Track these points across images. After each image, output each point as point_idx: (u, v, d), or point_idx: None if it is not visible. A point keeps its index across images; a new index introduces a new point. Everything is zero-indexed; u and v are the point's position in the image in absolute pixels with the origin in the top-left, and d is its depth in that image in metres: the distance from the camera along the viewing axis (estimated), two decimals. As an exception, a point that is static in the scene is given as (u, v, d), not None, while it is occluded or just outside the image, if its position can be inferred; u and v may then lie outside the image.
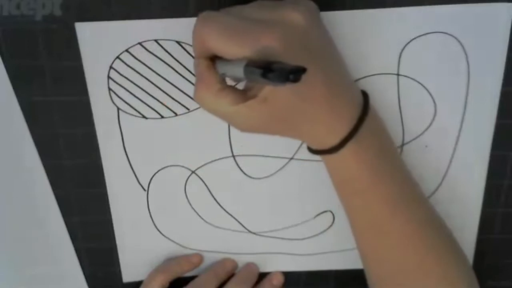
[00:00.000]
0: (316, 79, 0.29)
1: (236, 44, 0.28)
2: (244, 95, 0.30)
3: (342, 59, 0.33)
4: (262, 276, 0.44)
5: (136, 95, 0.37)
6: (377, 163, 0.32)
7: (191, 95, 0.37)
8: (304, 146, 0.35)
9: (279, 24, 0.28)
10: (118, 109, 0.37)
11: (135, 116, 0.38)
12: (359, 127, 0.31)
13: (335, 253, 0.42)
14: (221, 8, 0.33)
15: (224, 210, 0.41)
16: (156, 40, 0.35)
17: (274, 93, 0.29)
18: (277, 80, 0.24)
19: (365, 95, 0.33)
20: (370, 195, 0.33)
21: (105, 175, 0.39)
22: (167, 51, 0.35)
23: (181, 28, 0.35)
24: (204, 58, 0.30)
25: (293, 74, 0.23)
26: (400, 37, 0.35)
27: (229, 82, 0.30)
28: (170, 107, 0.37)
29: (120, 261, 0.43)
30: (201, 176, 0.40)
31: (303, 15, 0.29)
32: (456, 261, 0.35)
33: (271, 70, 0.24)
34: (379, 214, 0.33)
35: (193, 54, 0.36)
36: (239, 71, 0.27)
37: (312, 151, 0.33)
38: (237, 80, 0.28)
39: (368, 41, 0.35)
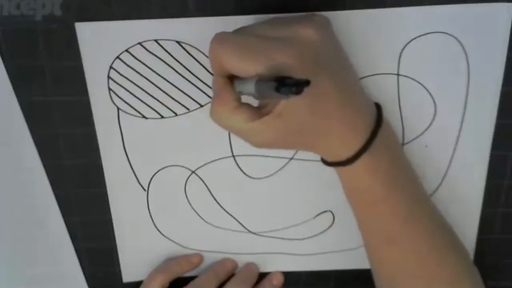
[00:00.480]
0: (330, 93, 0.29)
1: (251, 63, 0.28)
2: (259, 112, 0.30)
3: (355, 71, 0.33)
4: (262, 276, 0.44)
5: (136, 95, 0.37)
6: (390, 174, 0.32)
7: (191, 95, 0.37)
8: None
9: (293, 41, 0.29)
10: (118, 109, 0.37)
11: (135, 116, 0.38)
12: (373, 140, 0.31)
13: (335, 253, 0.42)
14: (222, 7, 0.33)
15: (224, 210, 0.41)
16: (156, 40, 0.35)
17: (288, 108, 0.29)
18: (283, 92, 0.24)
19: (378, 107, 0.33)
20: (383, 206, 0.33)
21: (105, 175, 0.39)
22: (167, 51, 0.35)
23: (181, 28, 0.35)
24: (221, 76, 0.31)
25: (296, 86, 0.24)
26: (400, 37, 0.35)
27: (248, 100, 0.30)
28: (170, 107, 0.37)
29: (120, 261, 0.43)
30: (201, 176, 0.40)
31: (317, 30, 0.29)
32: (459, 262, 0.35)
33: (280, 83, 0.24)
34: (391, 224, 0.33)
35: (193, 54, 0.36)
36: (253, 87, 0.28)
37: (326, 163, 0.33)
38: (255, 97, 0.29)
39: (368, 41, 0.35)
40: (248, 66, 0.29)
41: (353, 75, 0.33)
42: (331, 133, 0.31)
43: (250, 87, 0.28)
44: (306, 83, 0.24)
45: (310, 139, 0.31)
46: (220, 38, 0.30)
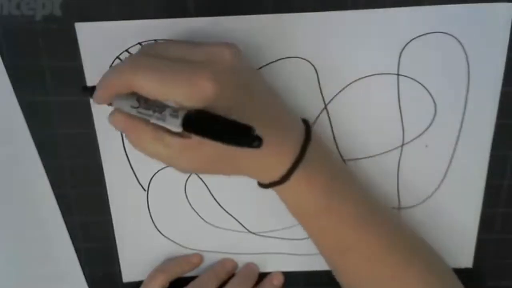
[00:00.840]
0: (255, 118, 0.29)
1: (173, 89, 0.27)
2: (180, 139, 0.29)
3: (275, 92, 0.33)
4: (262, 276, 0.44)
5: (136, 95, 0.37)
6: (328, 187, 0.32)
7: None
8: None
9: (209, 63, 0.28)
10: (118, 109, 0.37)
11: (135, 116, 0.38)
12: (303, 155, 0.31)
13: (335, 253, 0.43)
14: (222, 7, 0.33)
15: (224, 210, 0.41)
16: (156, 40, 0.35)
17: None
18: (234, 144, 0.23)
19: (306, 123, 0.33)
20: (326, 218, 0.33)
21: (105, 175, 0.39)
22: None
23: (181, 28, 0.35)
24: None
25: (257, 140, 0.23)
26: (400, 37, 0.35)
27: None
28: (170, 107, 0.37)
29: (120, 261, 0.43)
30: (201, 176, 0.40)
31: (231, 52, 0.29)
32: (430, 267, 0.35)
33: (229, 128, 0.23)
34: (340, 233, 0.34)
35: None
36: (175, 123, 0.27)
37: (261, 185, 0.33)
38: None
39: (368, 41, 0.35)
40: (168, 93, 0.27)
41: (274, 96, 0.32)
42: (256, 157, 0.30)
43: (175, 125, 0.27)
44: (252, 131, 0.23)
45: (236, 164, 0.31)
46: (133, 62, 0.28)
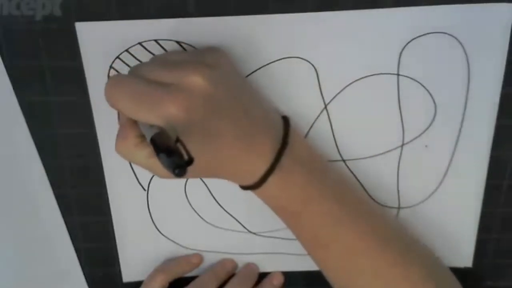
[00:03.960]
0: (226, 134, 0.30)
1: (143, 110, 0.29)
2: None
3: (256, 94, 0.34)
4: (262, 276, 0.44)
5: (136, 95, 0.37)
6: (307, 187, 0.33)
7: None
8: (304, 146, 0.35)
9: (181, 89, 0.29)
10: (118, 109, 0.37)
11: (135, 116, 0.38)
12: (278, 162, 0.32)
13: (335, 253, 0.43)
14: (222, 7, 0.33)
15: (224, 210, 0.41)
16: (156, 40, 0.35)
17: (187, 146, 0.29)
18: (166, 168, 0.26)
19: (286, 121, 0.34)
20: (306, 216, 0.33)
21: (105, 175, 0.39)
22: (167, 51, 0.35)
23: (181, 28, 0.35)
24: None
25: (178, 168, 0.25)
26: (400, 37, 0.35)
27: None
28: (170, 107, 0.37)
29: (120, 261, 0.43)
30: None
31: (205, 76, 0.30)
32: (419, 263, 0.35)
33: (167, 152, 0.26)
34: (320, 230, 0.34)
35: (193, 54, 0.36)
36: (148, 137, 0.29)
37: (241, 187, 0.34)
38: None
39: (368, 41, 0.35)
40: (139, 113, 0.29)
41: (254, 101, 0.33)
42: (234, 162, 0.31)
43: (147, 134, 0.29)
44: (188, 162, 0.25)
45: (213, 171, 0.32)
46: (114, 82, 0.30)
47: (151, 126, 0.29)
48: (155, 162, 0.30)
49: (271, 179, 0.32)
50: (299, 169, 0.33)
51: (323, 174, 0.34)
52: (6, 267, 0.43)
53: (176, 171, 0.25)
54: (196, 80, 0.29)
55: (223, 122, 0.30)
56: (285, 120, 0.34)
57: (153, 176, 0.40)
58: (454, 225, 0.41)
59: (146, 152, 0.31)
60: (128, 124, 0.31)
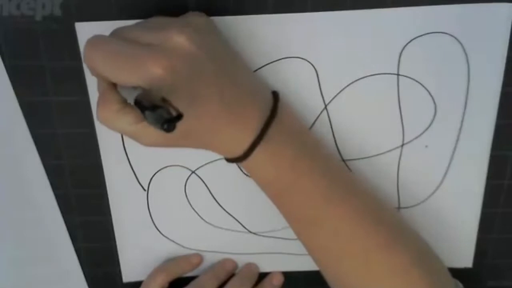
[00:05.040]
0: (211, 97, 0.29)
1: (124, 72, 0.28)
2: None
3: (244, 65, 0.33)
4: (262, 276, 0.44)
5: (136, 95, 0.37)
6: (295, 161, 0.32)
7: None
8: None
9: (164, 49, 0.28)
10: (118, 109, 0.37)
11: (135, 116, 0.38)
12: (266, 131, 0.31)
13: (335, 253, 0.42)
14: (222, 7, 0.33)
15: (224, 210, 0.41)
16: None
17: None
18: (153, 125, 0.24)
19: (275, 96, 0.33)
20: (294, 192, 0.33)
21: (105, 175, 0.39)
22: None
23: (181, 28, 0.35)
24: (104, 79, 0.30)
25: (167, 123, 0.24)
26: (400, 37, 0.35)
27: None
28: (170, 107, 0.37)
29: (120, 261, 0.43)
30: (201, 176, 0.40)
31: (189, 37, 0.29)
32: (407, 248, 0.34)
33: (153, 109, 0.24)
34: (308, 208, 0.33)
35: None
36: (131, 100, 0.27)
37: (227, 159, 0.33)
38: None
39: (368, 41, 0.35)
40: (123, 75, 0.28)
41: (241, 71, 0.32)
42: (220, 131, 0.31)
43: (129, 97, 0.28)
44: (178, 117, 0.24)
45: (199, 139, 0.31)
46: (92, 43, 0.29)
47: (134, 88, 0.28)
48: (139, 128, 0.29)
49: (258, 151, 0.31)
50: (288, 141, 0.32)
51: (313, 149, 0.34)
52: (6, 267, 0.43)
53: (165, 126, 0.24)
54: (180, 41, 0.28)
55: (208, 87, 0.29)
56: (275, 94, 0.33)
57: (153, 176, 0.40)
58: (454, 225, 0.41)
59: (129, 118, 0.29)
60: (108, 89, 0.30)
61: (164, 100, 0.25)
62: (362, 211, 0.34)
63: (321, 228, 0.34)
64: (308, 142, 0.34)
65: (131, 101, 0.28)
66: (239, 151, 0.31)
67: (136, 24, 0.32)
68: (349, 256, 0.34)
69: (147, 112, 0.25)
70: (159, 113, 0.24)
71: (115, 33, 0.30)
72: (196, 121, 0.29)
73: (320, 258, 0.36)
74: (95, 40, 0.29)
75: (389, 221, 0.35)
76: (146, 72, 0.27)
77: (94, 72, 0.30)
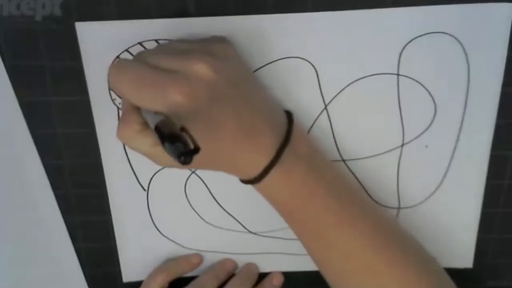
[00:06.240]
0: (228, 124, 0.30)
1: (146, 97, 0.29)
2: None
3: (260, 87, 0.34)
4: (262, 276, 0.44)
5: (136, 95, 0.37)
6: (306, 184, 0.33)
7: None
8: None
9: (186, 76, 0.29)
10: (118, 109, 0.37)
11: (135, 116, 0.38)
12: (280, 156, 0.31)
13: (335, 253, 0.42)
14: (222, 7, 0.33)
15: (224, 210, 0.41)
16: (156, 40, 0.35)
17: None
18: (170, 155, 0.25)
19: (289, 117, 0.33)
20: (306, 211, 0.33)
21: (105, 175, 0.39)
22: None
23: (181, 28, 0.35)
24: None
25: (184, 156, 0.25)
26: (400, 37, 0.35)
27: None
28: (170, 107, 0.37)
29: (120, 261, 0.43)
30: (201, 176, 0.40)
31: (209, 64, 0.29)
32: (415, 262, 0.35)
33: (171, 140, 0.25)
34: (320, 228, 0.34)
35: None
36: (152, 125, 0.28)
37: (241, 180, 0.34)
38: None
39: (368, 41, 0.35)
40: (144, 100, 0.29)
41: (257, 95, 0.33)
42: (236, 155, 0.31)
43: (150, 122, 0.29)
44: (194, 151, 0.25)
45: (215, 162, 0.32)
46: (117, 67, 0.30)
47: (155, 113, 0.29)
48: (157, 150, 0.30)
49: (272, 174, 0.32)
50: (301, 164, 0.32)
51: (324, 171, 0.34)
52: (6, 267, 0.43)
53: (182, 158, 0.24)
54: (201, 69, 0.29)
55: (226, 111, 0.30)
56: (289, 115, 0.34)
57: (153, 176, 0.40)
58: (454, 225, 0.41)
59: (149, 140, 0.30)
60: (131, 110, 0.31)
61: (183, 129, 0.26)
62: (373, 229, 0.34)
63: (332, 247, 0.34)
64: (319, 162, 0.34)
65: (150, 124, 0.29)
66: (253, 173, 0.32)
67: (159, 48, 0.33)
68: (360, 273, 0.34)
69: (166, 144, 0.26)
70: (177, 145, 0.25)
71: (138, 57, 0.31)
72: (213, 145, 0.30)
73: (332, 276, 0.36)
74: (120, 64, 0.30)
75: (398, 238, 0.36)
76: (166, 98, 0.28)
77: (118, 93, 0.31)
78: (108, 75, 0.30)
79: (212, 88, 0.29)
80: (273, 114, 0.33)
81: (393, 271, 0.34)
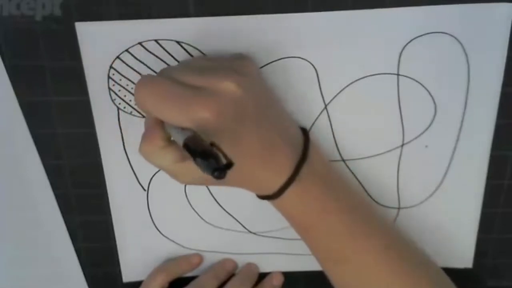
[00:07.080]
0: (251, 141, 0.30)
1: (173, 112, 0.29)
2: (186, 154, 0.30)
3: (279, 104, 0.34)
4: (262, 276, 0.44)
5: (136, 95, 0.37)
6: (322, 200, 0.33)
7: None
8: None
9: (213, 93, 0.29)
10: (118, 109, 0.37)
11: (135, 116, 0.38)
12: (297, 174, 0.32)
13: (335, 253, 0.42)
14: (222, 7, 0.33)
15: (224, 210, 0.41)
16: (156, 40, 0.35)
17: None
18: (203, 171, 0.25)
19: (305, 134, 0.34)
20: (321, 228, 0.34)
21: (105, 175, 0.39)
22: (167, 51, 0.35)
23: (181, 28, 0.35)
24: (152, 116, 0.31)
25: (218, 171, 0.25)
26: (400, 37, 0.35)
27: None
28: (170, 107, 0.37)
29: (120, 261, 0.43)
30: (201, 176, 0.40)
31: (236, 82, 0.30)
32: (425, 273, 0.35)
33: (204, 156, 0.25)
34: (335, 244, 0.34)
35: (193, 54, 0.36)
36: (178, 140, 0.28)
37: (258, 196, 0.34)
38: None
39: (368, 41, 0.35)
40: (171, 116, 0.29)
41: (276, 111, 0.33)
42: (255, 171, 0.31)
43: (177, 137, 0.29)
44: (228, 166, 0.25)
45: (236, 179, 0.32)
46: (144, 82, 0.30)
47: (182, 129, 0.29)
48: (179, 167, 0.30)
49: (289, 191, 0.32)
50: (316, 180, 0.33)
51: (339, 188, 0.35)
52: (6, 267, 0.43)
53: (216, 173, 0.25)
54: (228, 86, 0.30)
55: (249, 128, 0.30)
56: (304, 132, 0.34)
57: (153, 176, 0.40)
58: (454, 225, 0.41)
59: (171, 156, 0.30)
60: (155, 125, 0.31)
61: (212, 144, 0.26)
62: (386, 245, 0.34)
63: (346, 262, 0.34)
64: (334, 179, 0.35)
65: (176, 140, 0.29)
66: (271, 190, 0.32)
67: (183, 65, 0.33)
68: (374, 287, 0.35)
69: (198, 159, 0.25)
70: (210, 161, 0.25)
71: (163, 74, 0.31)
72: (236, 161, 0.30)
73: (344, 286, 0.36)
74: (146, 80, 0.30)
75: (410, 251, 0.36)
76: (194, 114, 0.29)
77: (144, 109, 0.31)
78: (134, 91, 0.30)
79: (238, 104, 0.30)
80: (290, 131, 0.33)
81: (406, 284, 0.34)
